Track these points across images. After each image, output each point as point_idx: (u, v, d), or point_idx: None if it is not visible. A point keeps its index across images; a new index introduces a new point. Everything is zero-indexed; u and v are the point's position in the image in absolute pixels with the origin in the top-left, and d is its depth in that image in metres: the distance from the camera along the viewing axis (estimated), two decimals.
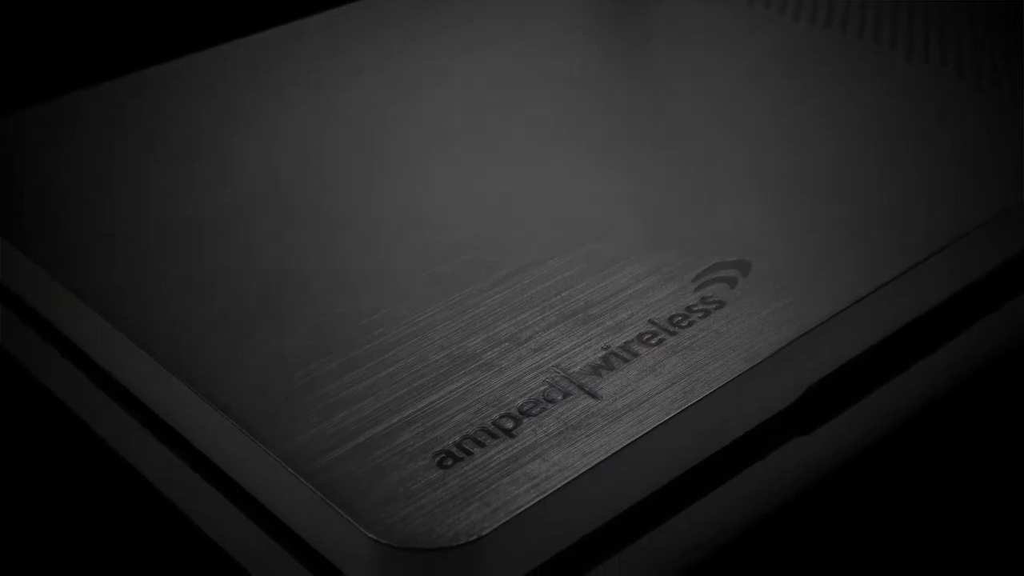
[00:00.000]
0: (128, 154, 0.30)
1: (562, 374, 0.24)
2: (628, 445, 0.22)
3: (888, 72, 0.33)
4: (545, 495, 0.21)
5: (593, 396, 0.23)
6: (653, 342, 0.24)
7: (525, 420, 0.23)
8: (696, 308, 0.25)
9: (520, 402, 0.23)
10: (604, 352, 0.24)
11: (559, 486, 0.21)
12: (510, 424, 0.22)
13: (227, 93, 0.32)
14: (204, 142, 0.30)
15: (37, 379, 0.29)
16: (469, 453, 0.22)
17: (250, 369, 0.24)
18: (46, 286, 0.27)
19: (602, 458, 0.22)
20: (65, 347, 0.27)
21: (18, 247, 0.27)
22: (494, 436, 0.22)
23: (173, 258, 0.26)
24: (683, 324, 0.25)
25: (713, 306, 0.25)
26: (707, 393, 0.23)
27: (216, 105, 0.32)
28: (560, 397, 0.23)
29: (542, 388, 0.23)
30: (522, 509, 0.21)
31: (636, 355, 0.24)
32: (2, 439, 0.29)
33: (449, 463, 0.22)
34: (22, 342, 0.29)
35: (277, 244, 0.27)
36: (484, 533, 0.21)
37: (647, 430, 0.22)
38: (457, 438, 0.22)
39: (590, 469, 0.22)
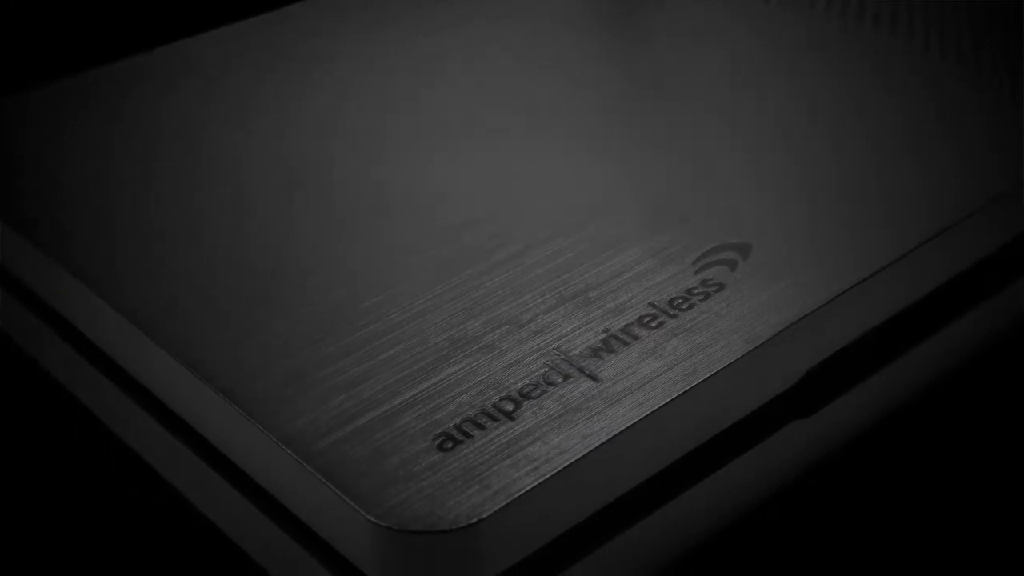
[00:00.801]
0: (130, 137, 0.30)
1: (562, 356, 0.23)
2: (628, 428, 0.22)
3: (887, 58, 0.33)
4: (545, 478, 0.21)
5: (593, 379, 0.23)
6: (653, 325, 0.24)
7: (525, 403, 0.23)
8: (696, 291, 0.25)
9: (520, 385, 0.23)
10: (604, 335, 0.24)
11: (559, 469, 0.21)
12: (510, 407, 0.22)
13: (229, 77, 0.32)
14: (205, 126, 0.30)
15: (37, 362, 0.29)
16: (469, 436, 0.22)
17: (250, 352, 0.24)
18: (46, 269, 0.27)
19: (602, 441, 0.22)
20: (66, 330, 0.27)
21: (18, 230, 0.27)
22: (494, 419, 0.22)
23: (173, 241, 0.26)
24: (683, 307, 0.25)
25: (713, 288, 0.25)
26: (707, 376, 0.23)
27: (217, 88, 0.32)
28: (560, 380, 0.23)
29: (542, 371, 0.23)
30: (522, 492, 0.21)
31: (636, 338, 0.24)
32: (2, 423, 0.29)
33: (449, 446, 0.22)
34: (22, 325, 0.29)
35: (277, 228, 0.27)
36: (484, 516, 0.21)
37: (647, 413, 0.22)
38: (457, 421, 0.22)
39: (590, 452, 0.22)
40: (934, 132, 0.30)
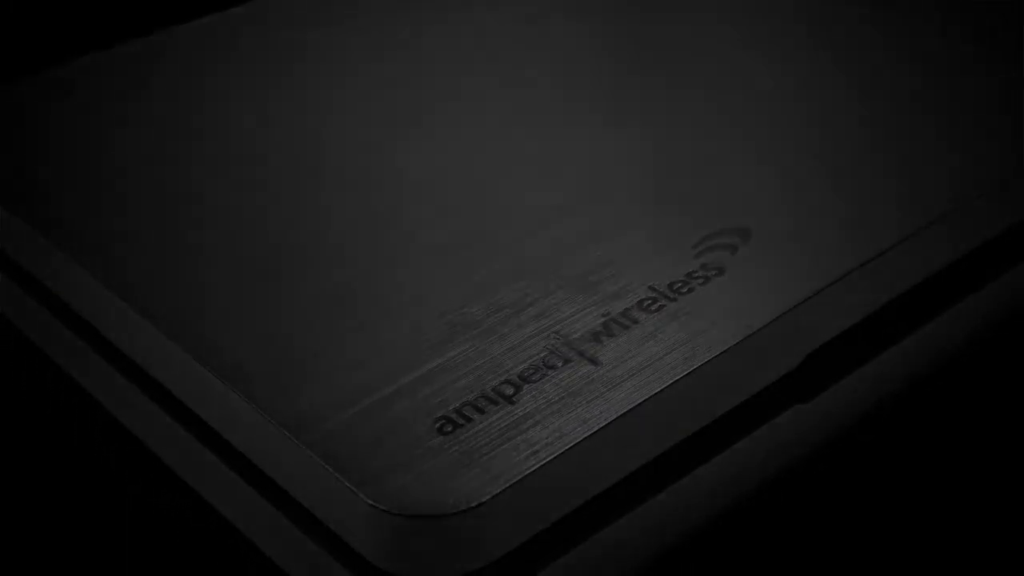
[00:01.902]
0: (130, 124, 0.30)
1: (562, 340, 0.24)
2: (628, 412, 0.22)
3: (889, 43, 0.33)
4: (545, 461, 0.21)
5: (593, 362, 0.23)
6: (653, 308, 0.24)
7: (525, 386, 0.23)
8: (696, 274, 0.25)
9: (520, 368, 0.23)
10: (604, 318, 0.24)
11: (559, 452, 0.21)
12: (510, 390, 0.23)
13: (231, 61, 0.32)
14: (208, 111, 0.30)
15: (35, 345, 0.29)
16: (469, 419, 0.22)
17: (250, 337, 0.24)
18: (46, 254, 0.27)
19: (602, 425, 0.22)
20: (64, 314, 0.27)
21: (21, 217, 0.27)
22: (494, 403, 0.22)
23: (174, 227, 0.26)
24: (683, 290, 0.25)
25: (713, 272, 0.25)
26: (706, 360, 0.23)
27: (220, 73, 0.32)
28: (560, 363, 0.23)
29: (542, 354, 0.23)
30: (522, 475, 0.21)
31: (636, 321, 0.24)
32: (2, 406, 0.29)
33: (449, 429, 0.22)
34: (21, 309, 0.29)
35: (278, 211, 0.27)
36: (484, 499, 0.21)
37: (647, 396, 0.22)
38: (457, 404, 0.22)
39: (590, 436, 0.22)
40: (935, 117, 0.30)
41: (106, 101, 0.31)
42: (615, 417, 0.22)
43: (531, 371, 0.23)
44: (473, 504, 0.21)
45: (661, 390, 0.23)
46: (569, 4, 0.35)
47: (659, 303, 0.24)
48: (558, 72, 0.31)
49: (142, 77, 0.32)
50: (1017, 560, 0.25)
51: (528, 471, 0.21)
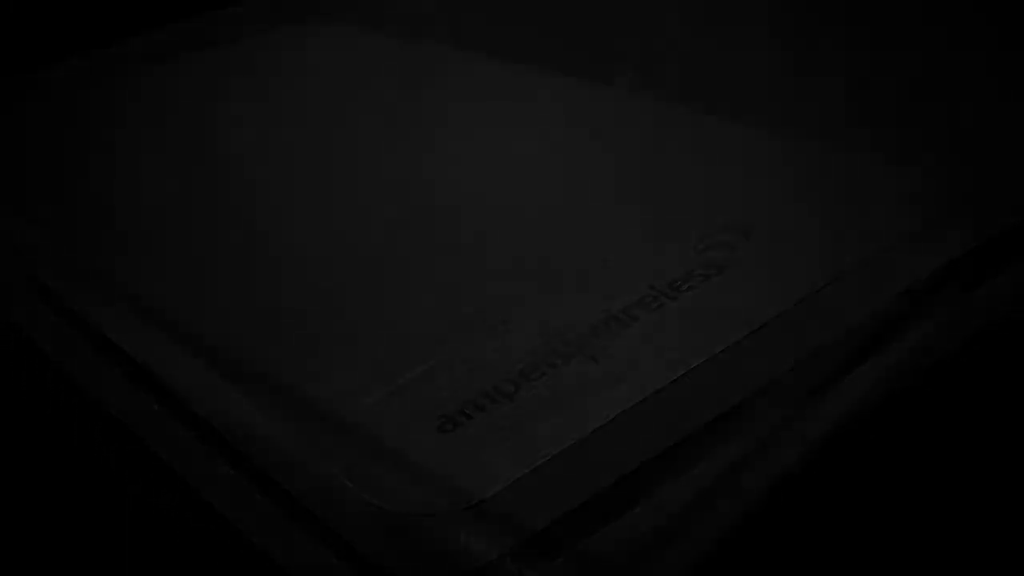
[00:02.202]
0: (130, 123, 0.30)
1: (562, 338, 0.23)
2: (628, 410, 0.22)
3: (892, 37, 0.33)
4: (545, 460, 0.21)
5: (593, 360, 0.23)
6: (653, 306, 0.24)
7: (525, 385, 0.23)
8: (697, 273, 0.25)
9: (520, 366, 0.23)
10: (604, 316, 0.24)
11: (559, 451, 0.21)
12: (510, 388, 0.22)
13: (231, 61, 0.32)
14: (208, 110, 0.30)
15: (35, 344, 0.29)
16: (469, 417, 0.22)
17: (249, 336, 0.24)
18: (45, 249, 0.27)
19: (601, 423, 0.22)
20: (66, 316, 0.27)
21: (21, 217, 0.27)
22: (494, 401, 0.22)
23: (174, 226, 0.26)
24: (683, 288, 0.25)
25: (713, 271, 0.25)
26: (707, 358, 0.23)
27: (220, 72, 0.32)
28: (560, 362, 0.23)
29: (543, 352, 0.23)
30: (522, 474, 0.21)
31: (636, 319, 0.24)
32: (2, 406, 0.29)
33: (449, 427, 0.22)
34: (21, 309, 0.29)
35: (277, 212, 0.27)
36: (484, 498, 0.21)
37: (647, 395, 0.22)
38: (457, 403, 0.22)
39: (590, 434, 0.22)
40: (937, 117, 0.30)
41: (104, 101, 0.31)
42: (615, 415, 0.22)
43: (531, 369, 0.23)
44: (473, 502, 0.21)
45: (661, 388, 0.23)
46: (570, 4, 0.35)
47: (659, 301, 0.24)
48: (557, 70, 0.31)
49: (141, 77, 0.32)
50: (1017, 560, 0.25)
51: (528, 469, 0.21)
